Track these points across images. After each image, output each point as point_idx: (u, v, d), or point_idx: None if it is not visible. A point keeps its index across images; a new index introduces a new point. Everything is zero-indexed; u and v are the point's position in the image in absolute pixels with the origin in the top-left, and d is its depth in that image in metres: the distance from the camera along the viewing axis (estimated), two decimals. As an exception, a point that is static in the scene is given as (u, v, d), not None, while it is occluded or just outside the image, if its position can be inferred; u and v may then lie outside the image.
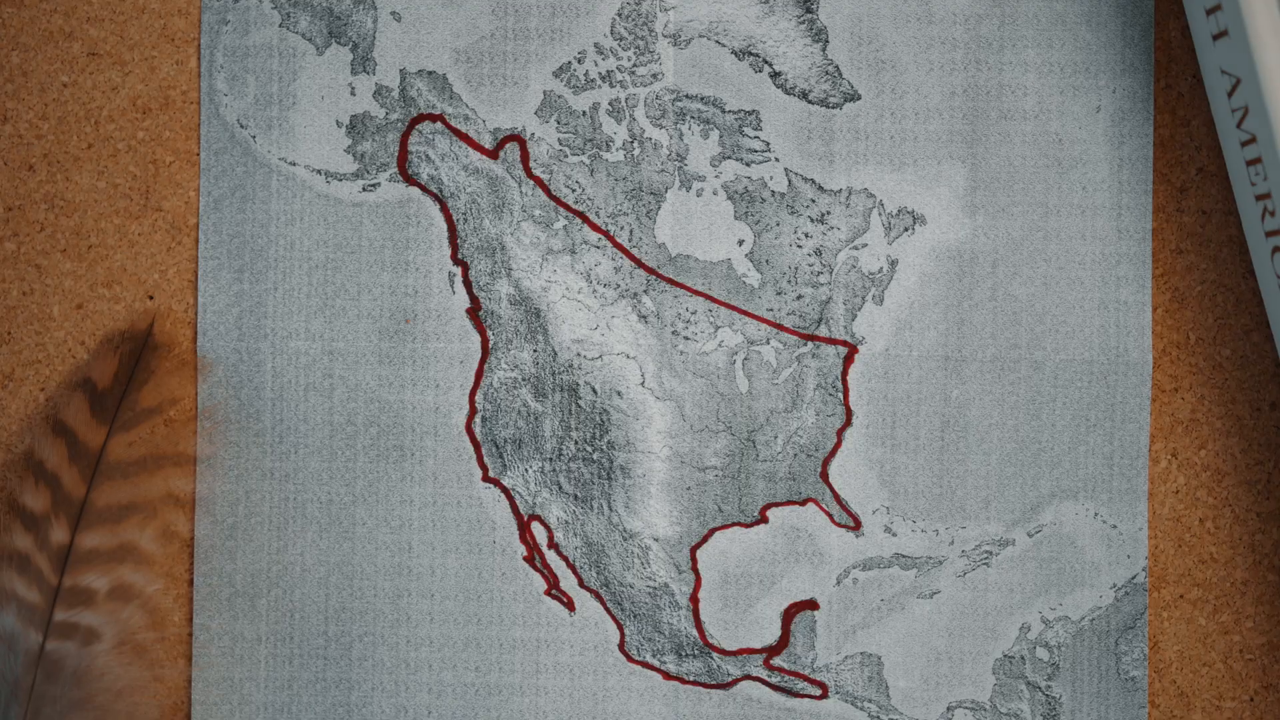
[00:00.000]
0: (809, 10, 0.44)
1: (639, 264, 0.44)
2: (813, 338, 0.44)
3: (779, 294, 0.44)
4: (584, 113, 0.44)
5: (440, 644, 0.44)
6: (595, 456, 0.44)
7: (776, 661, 0.44)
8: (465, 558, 0.44)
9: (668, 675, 0.44)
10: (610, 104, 0.44)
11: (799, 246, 0.44)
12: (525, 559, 0.44)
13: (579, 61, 0.44)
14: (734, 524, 0.44)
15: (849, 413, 0.44)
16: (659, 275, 0.44)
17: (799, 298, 0.44)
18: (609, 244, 0.44)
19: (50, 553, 0.43)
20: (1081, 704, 0.44)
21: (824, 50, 0.44)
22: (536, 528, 0.44)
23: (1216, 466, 0.44)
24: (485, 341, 0.44)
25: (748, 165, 0.44)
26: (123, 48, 0.45)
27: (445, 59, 0.44)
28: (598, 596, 0.44)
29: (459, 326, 0.44)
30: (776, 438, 0.44)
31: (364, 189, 0.44)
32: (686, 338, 0.44)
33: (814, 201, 0.44)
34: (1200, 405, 0.44)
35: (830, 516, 0.44)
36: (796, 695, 0.44)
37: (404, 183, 0.44)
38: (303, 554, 0.44)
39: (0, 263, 0.45)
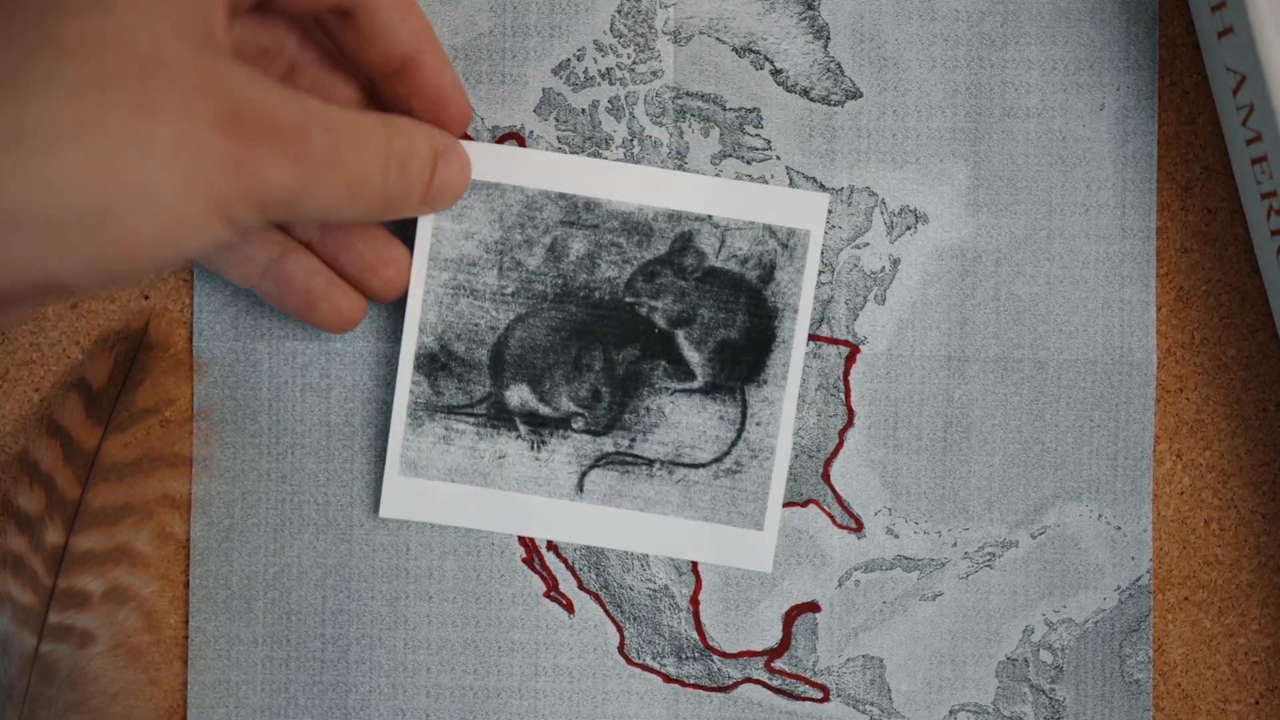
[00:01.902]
0: (810, 7, 0.44)
1: (639, 263, 0.45)
2: (814, 337, 0.44)
3: (780, 293, 0.44)
4: (583, 110, 0.44)
5: (438, 647, 0.44)
6: (595, 457, 0.45)
7: (777, 664, 0.44)
8: (463, 560, 0.44)
9: (668, 678, 0.44)
10: (610, 102, 0.44)
11: (800, 245, 0.44)
12: (524, 561, 0.44)
13: (578, 59, 0.44)
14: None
15: (851, 413, 0.44)
16: (659, 275, 0.44)
17: (800, 297, 0.44)
18: (609, 243, 0.45)
19: (45, 554, 0.42)
20: (1085, 707, 0.44)
21: (825, 47, 0.44)
22: (535, 529, 0.45)
23: (1221, 467, 0.44)
24: (484, 341, 0.45)
25: (748, 163, 0.44)
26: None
27: (443, 56, 0.44)
28: (597, 599, 0.44)
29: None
30: (777, 438, 0.44)
31: (361, 187, 0.44)
32: (687, 337, 0.44)
33: (815, 200, 0.44)
34: (1205, 405, 0.44)
35: (832, 518, 0.44)
36: (798, 698, 0.44)
37: (402, 181, 0.44)
38: (299, 556, 0.44)
39: (-6, 262, 0.44)
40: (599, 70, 0.44)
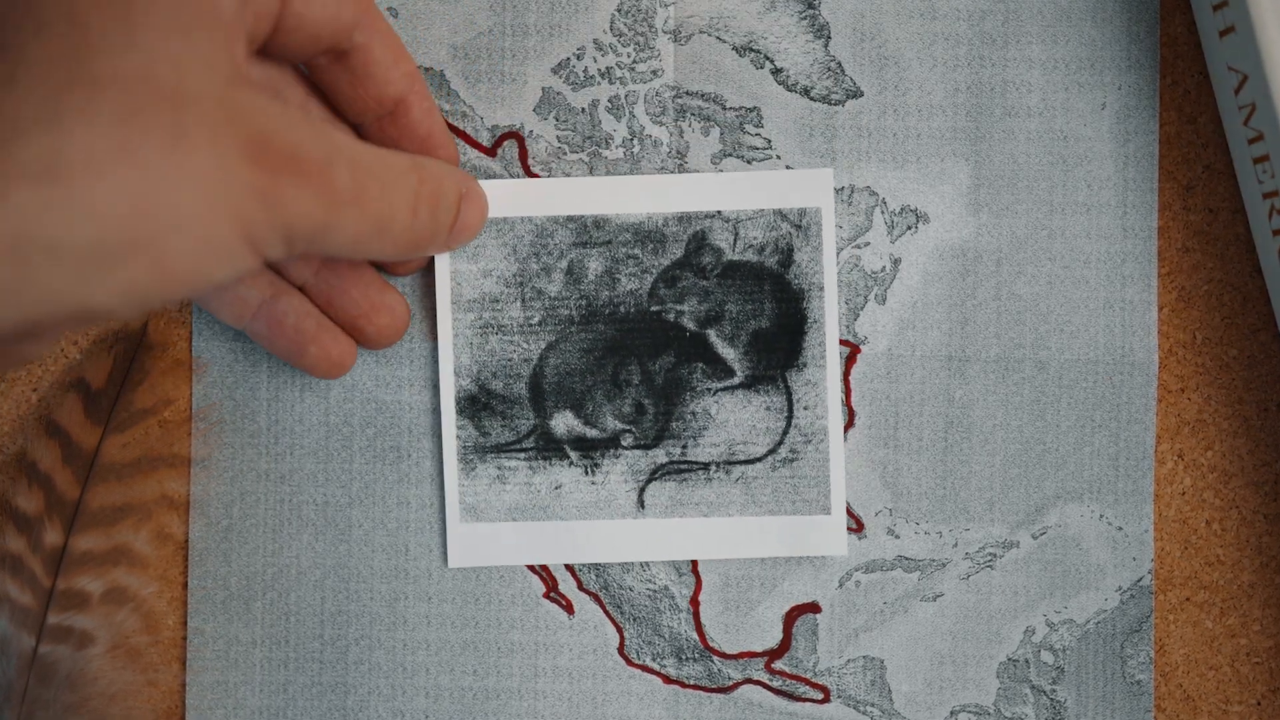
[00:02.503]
0: (811, 6, 0.44)
1: (639, 263, 0.44)
2: (814, 337, 0.44)
3: (780, 293, 0.44)
4: (583, 110, 0.44)
5: (437, 648, 0.44)
6: (594, 458, 0.44)
7: (778, 665, 0.44)
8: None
9: (668, 679, 0.44)
10: (610, 101, 0.44)
11: (801, 245, 0.44)
12: (524, 561, 0.44)
13: (578, 58, 0.44)
14: (735, 526, 0.44)
15: (851, 413, 0.44)
16: (659, 274, 0.44)
17: (801, 297, 0.44)
18: (608, 243, 0.44)
19: (44, 555, 0.42)
20: (1087, 708, 0.43)
21: (826, 46, 0.44)
22: (535, 530, 0.44)
23: (1223, 468, 0.44)
24: (483, 341, 0.45)
25: (749, 163, 0.43)
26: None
27: (442, 55, 0.44)
28: (597, 599, 0.44)
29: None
30: (778, 439, 0.44)
31: (360, 187, 0.44)
32: (687, 337, 0.44)
33: (816, 200, 0.44)
34: (1207, 405, 0.44)
35: (832, 518, 0.44)
36: (798, 699, 0.44)
37: (401, 181, 0.44)
38: (298, 557, 0.44)
39: (-8, 262, 0.44)
40: (599, 69, 0.44)
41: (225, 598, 0.44)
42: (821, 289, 0.43)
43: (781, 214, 0.42)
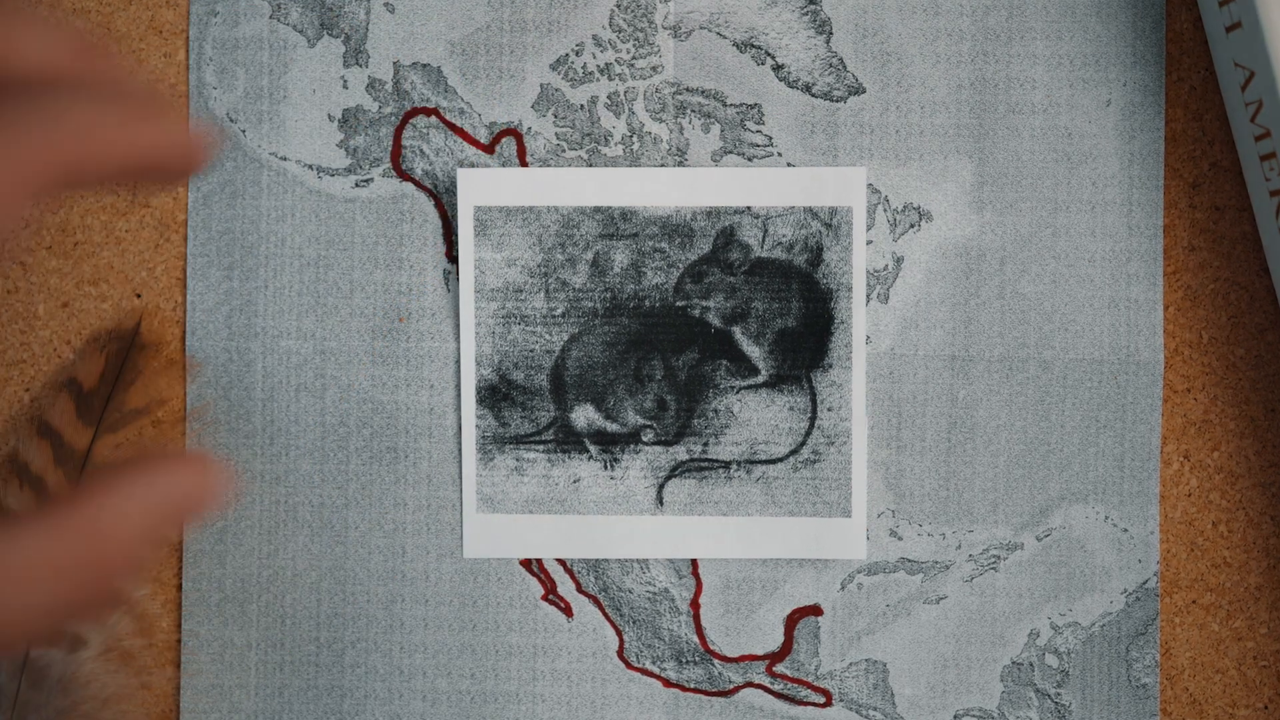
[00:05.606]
0: (813, 2, 0.43)
1: (638, 261, 0.44)
2: (816, 337, 0.43)
3: (782, 292, 0.44)
4: (582, 106, 0.43)
5: (435, 650, 0.44)
6: (593, 458, 0.44)
7: (779, 668, 0.43)
8: (460, 562, 0.44)
9: (668, 683, 0.43)
10: (609, 97, 0.43)
11: (802, 243, 0.44)
12: (521, 564, 0.44)
13: (577, 54, 0.43)
14: (736, 527, 0.44)
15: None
16: (659, 273, 0.44)
17: (802, 296, 0.44)
18: (608, 241, 0.44)
19: (35, 557, 0.42)
20: (1092, 712, 0.43)
21: (828, 42, 0.43)
22: (533, 531, 0.44)
23: (1230, 469, 0.43)
24: (481, 341, 0.44)
25: (750, 160, 0.43)
26: (110, 40, 0.44)
27: (440, 51, 0.43)
28: (596, 602, 0.44)
29: (454, 325, 0.44)
30: (779, 439, 0.44)
31: (356, 184, 0.44)
32: (687, 337, 0.44)
33: (817, 197, 0.43)
34: (1213, 406, 0.43)
35: (834, 520, 0.43)
36: (800, 703, 0.43)
37: (397, 178, 0.44)
38: (294, 558, 0.44)
39: (-16, 260, 0.44)
40: (598, 65, 0.43)
41: (220, 600, 0.44)
42: (850, 290, 0.42)
43: (813, 212, 0.42)
